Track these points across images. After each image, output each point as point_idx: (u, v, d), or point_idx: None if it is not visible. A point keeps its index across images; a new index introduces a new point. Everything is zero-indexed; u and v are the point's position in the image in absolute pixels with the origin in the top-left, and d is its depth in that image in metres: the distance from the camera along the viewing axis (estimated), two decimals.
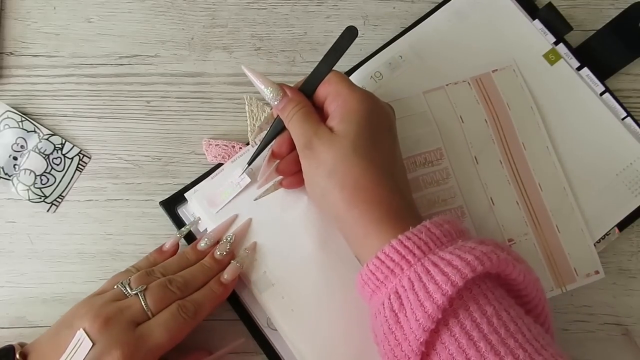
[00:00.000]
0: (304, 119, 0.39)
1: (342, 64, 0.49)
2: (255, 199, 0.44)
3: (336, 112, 0.39)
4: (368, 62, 0.48)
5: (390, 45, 0.48)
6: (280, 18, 0.50)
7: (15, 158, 0.47)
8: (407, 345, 0.33)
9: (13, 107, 0.47)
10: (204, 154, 0.47)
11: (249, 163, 0.44)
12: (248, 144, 0.46)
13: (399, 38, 0.49)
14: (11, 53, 0.49)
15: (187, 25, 0.50)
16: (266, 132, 0.43)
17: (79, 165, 0.48)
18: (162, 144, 0.48)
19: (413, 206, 0.39)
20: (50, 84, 0.48)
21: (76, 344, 0.36)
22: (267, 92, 0.40)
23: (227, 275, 0.42)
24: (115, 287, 0.40)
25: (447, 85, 0.47)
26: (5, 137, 0.47)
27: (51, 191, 0.47)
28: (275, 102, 0.40)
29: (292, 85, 0.42)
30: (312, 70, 0.41)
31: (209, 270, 0.42)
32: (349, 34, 0.40)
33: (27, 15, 0.49)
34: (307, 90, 0.41)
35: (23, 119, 0.47)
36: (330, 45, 0.40)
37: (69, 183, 0.47)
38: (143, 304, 0.38)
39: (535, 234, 0.46)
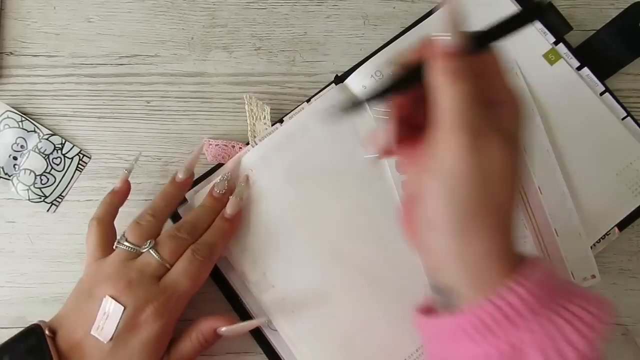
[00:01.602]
0: (476, 94, 0.29)
1: (342, 64, 0.49)
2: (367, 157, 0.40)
3: (504, 108, 0.31)
4: (368, 61, 0.48)
5: (391, 45, 0.48)
6: (280, 18, 0.50)
7: (15, 158, 0.47)
8: None
9: (13, 107, 0.47)
10: (204, 154, 0.47)
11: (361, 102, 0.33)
12: (248, 143, 0.46)
13: (399, 38, 0.49)
14: (11, 53, 0.49)
15: (187, 25, 0.50)
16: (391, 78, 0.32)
17: (79, 165, 0.47)
18: (162, 144, 0.48)
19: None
20: (50, 83, 0.48)
21: (106, 311, 0.37)
22: (445, 33, 0.30)
23: (229, 210, 0.42)
24: (114, 248, 0.40)
25: None
26: (5, 137, 0.47)
27: (51, 191, 0.47)
28: (451, 39, 0.29)
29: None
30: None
31: (210, 210, 0.42)
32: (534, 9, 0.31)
33: (27, 15, 0.49)
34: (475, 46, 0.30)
35: (23, 118, 0.47)
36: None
37: (69, 183, 0.47)
38: (157, 258, 0.39)
39: (534, 237, 0.46)
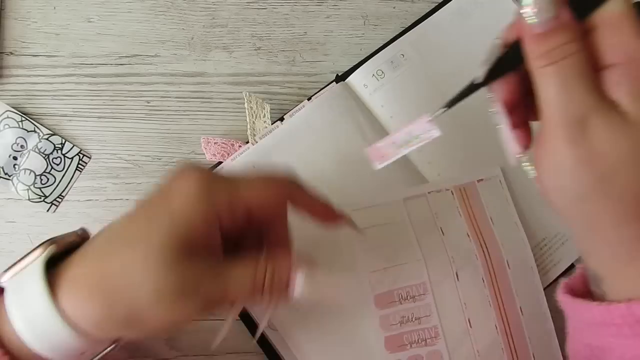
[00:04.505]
0: (578, 75, 0.25)
1: (342, 64, 0.49)
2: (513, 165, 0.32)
3: (624, 78, 0.26)
4: (370, 60, 0.48)
5: (392, 44, 0.48)
6: (280, 18, 0.50)
7: (15, 158, 0.47)
8: None
9: (13, 107, 0.47)
10: (204, 154, 0.47)
11: (449, 105, 0.31)
12: (248, 142, 0.46)
13: (399, 38, 0.49)
14: (11, 53, 0.49)
15: (187, 25, 0.50)
16: (489, 65, 0.29)
17: (79, 165, 0.47)
18: (162, 144, 0.48)
19: None
20: (50, 83, 0.48)
21: None
22: (530, 8, 0.25)
23: None
24: None
25: (429, 192, 0.45)
26: (5, 137, 0.47)
27: (51, 191, 0.47)
28: (536, 20, 0.25)
29: None
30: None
31: None
32: None
33: (27, 15, 0.49)
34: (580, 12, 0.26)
35: (23, 118, 0.47)
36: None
37: (68, 183, 0.47)
38: None
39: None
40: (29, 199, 0.46)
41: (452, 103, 0.30)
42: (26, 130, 0.47)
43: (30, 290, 0.28)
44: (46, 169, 0.47)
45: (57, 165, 0.47)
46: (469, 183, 0.45)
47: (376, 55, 0.48)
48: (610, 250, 0.29)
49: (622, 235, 0.28)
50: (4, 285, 0.30)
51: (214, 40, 0.50)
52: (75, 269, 0.29)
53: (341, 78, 0.48)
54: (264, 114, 0.47)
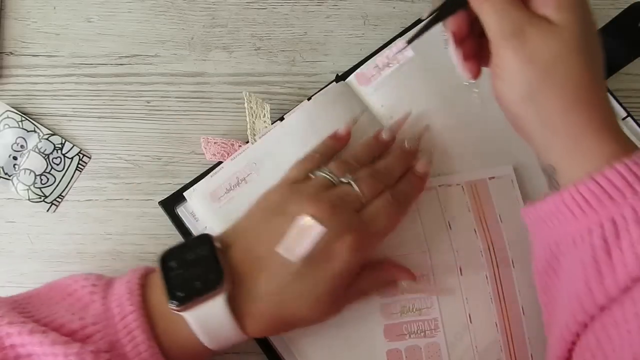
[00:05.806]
0: (508, 2, 0.33)
1: (342, 64, 0.49)
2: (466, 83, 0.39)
3: None
4: (370, 60, 0.48)
5: (392, 44, 0.48)
6: (280, 18, 0.51)
7: (15, 158, 0.47)
8: (611, 280, 0.30)
9: (13, 107, 0.47)
10: (204, 154, 0.47)
11: (410, 41, 0.37)
12: (248, 142, 0.46)
13: (398, 38, 0.49)
14: (11, 53, 0.49)
15: (187, 25, 0.50)
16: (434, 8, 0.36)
17: (79, 165, 0.47)
18: (162, 144, 0.48)
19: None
20: (50, 83, 0.48)
21: (300, 230, 0.36)
22: None
23: (420, 168, 0.42)
24: (315, 174, 0.40)
25: (439, 186, 0.45)
26: (5, 137, 0.47)
27: (51, 191, 0.47)
28: None
29: None
30: None
31: (403, 162, 0.42)
32: None
33: (27, 15, 0.49)
34: None
35: (23, 118, 0.47)
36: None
37: (68, 183, 0.47)
38: (357, 190, 0.38)
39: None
40: (29, 199, 0.46)
41: (412, 39, 0.37)
42: (26, 130, 0.47)
43: (216, 318, 0.35)
44: (46, 169, 0.47)
45: (57, 165, 0.47)
46: (480, 180, 0.45)
47: (376, 55, 0.48)
48: (558, 139, 0.34)
49: (567, 121, 0.33)
50: (185, 311, 0.35)
51: (214, 40, 0.50)
52: (254, 310, 0.36)
53: (341, 78, 0.48)
54: (264, 114, 0.47)
